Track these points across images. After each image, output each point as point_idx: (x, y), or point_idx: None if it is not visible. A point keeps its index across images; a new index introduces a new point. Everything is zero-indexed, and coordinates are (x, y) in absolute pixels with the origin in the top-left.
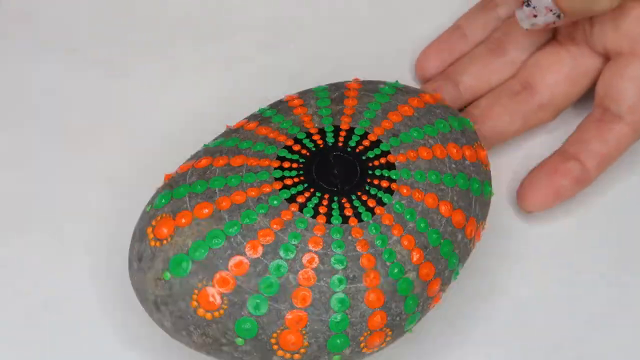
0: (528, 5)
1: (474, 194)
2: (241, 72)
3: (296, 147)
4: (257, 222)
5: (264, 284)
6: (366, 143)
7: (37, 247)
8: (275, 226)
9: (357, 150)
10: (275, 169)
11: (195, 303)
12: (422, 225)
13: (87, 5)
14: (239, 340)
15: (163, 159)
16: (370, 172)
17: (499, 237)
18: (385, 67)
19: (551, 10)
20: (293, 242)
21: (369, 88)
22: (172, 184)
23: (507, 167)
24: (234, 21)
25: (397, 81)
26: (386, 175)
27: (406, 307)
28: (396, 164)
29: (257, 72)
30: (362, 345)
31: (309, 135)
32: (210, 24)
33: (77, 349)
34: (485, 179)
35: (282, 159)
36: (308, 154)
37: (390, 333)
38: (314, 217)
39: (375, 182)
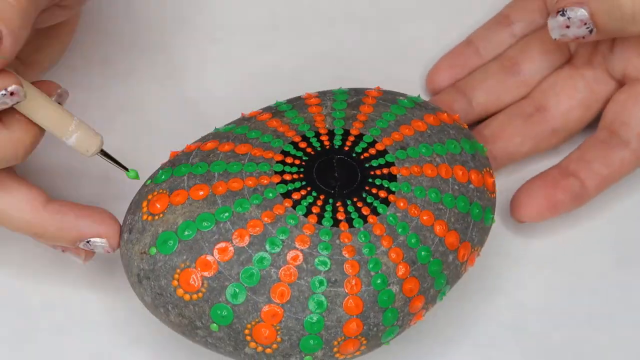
0: (563, 15)
1: (473, 218)
2: (243, 72)
3: (302, 145)
4: (249, 212)
5: (245, 273)
6: (372, 151)
7: (39, 246)
8: (265, 218)
9: (362, 157)
10: (277, 162)
11: (176, 282)
12: (413, 240)
13: (86, 6)
14: (214, 326)
15: (163, 159)
16: (370, 180)
17: (501, 239)
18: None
19: (585, 24)
20: (280, 237)
21: (387, 98)
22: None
23: (508, 174)
24: (234, 20)
25: (419, 95)
26: (386, 185)
27: (385, 319)
28: (398, 176)
29: (260, 72)
30: (334, 350)
31: (317, 134)
32: (210, 24)
33: (77, 349)
34: (488, 206)
35: (286, 153)
36: (312, 152)
37: (365, 342)
38: (305, 215)
39: (374, 190)
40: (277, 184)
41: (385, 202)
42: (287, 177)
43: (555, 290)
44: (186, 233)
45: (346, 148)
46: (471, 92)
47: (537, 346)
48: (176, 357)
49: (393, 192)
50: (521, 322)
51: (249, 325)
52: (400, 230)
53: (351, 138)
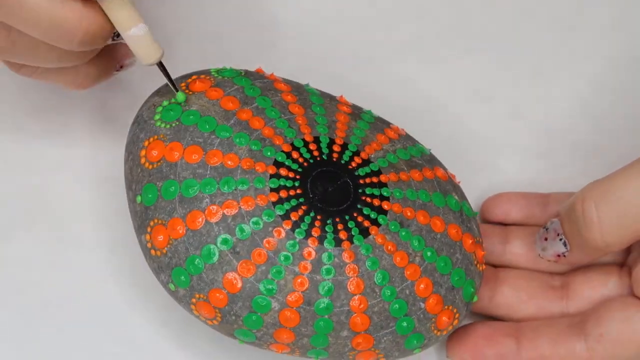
0: (544, 227)
1: (467, 214)
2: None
3: (294, 155)
4: (250, 239)
5: (255, 303)
6: (337, 148)
7: (38, 246)
8: (267, 245)
9: (350, 167)
10: (272, 176)
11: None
12: (416, 243)
13: None
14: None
15: None
16: (360, 190)
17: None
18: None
19: (558, 235)
20: (284, 264)
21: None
22: (159, 175)
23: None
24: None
25: (429, 150)
26: (377, 194)
27: (399, 328)
28: (388, 183)
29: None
30: None
31: (305, 143)
32: (210, 24)
33: (77, 349)
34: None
35: (279, 164)
36: (305, 164)
37: (381, 355)
38: (305, 238)
39: (368, 200)
40: (275, 203)
41: (382, 210)
42: (284, 193)
43: None
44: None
45: (334, 159)
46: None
47: None
48: (176, 357)
49: (387, 199)
50: None
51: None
52: (403, 235)
53: (337, 148)
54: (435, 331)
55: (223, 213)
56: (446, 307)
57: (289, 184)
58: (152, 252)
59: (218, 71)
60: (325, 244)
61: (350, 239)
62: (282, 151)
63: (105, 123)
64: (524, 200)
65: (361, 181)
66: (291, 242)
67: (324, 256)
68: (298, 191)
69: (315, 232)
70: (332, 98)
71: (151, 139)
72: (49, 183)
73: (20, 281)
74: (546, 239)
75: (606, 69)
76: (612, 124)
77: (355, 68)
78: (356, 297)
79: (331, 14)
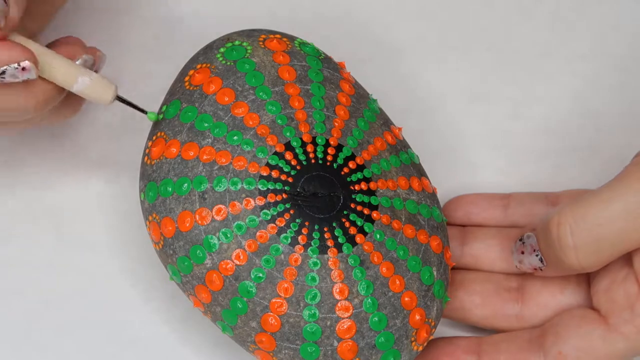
0: (521, 240)
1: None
2: None
3: (288, 156)
4: (234, 241)
5: (233, 304)
6: (331, 151)
7: (38, 246)
8: (249, 249)
9: (313, 161)
10: (262, 178)
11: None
12: (402, 252)
13: (87, 5)
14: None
15: None
16: (352, 196)
17: (503, 240)
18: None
19: (534, 250)
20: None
21: (302, 76)
22: (151, 174)
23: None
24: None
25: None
26: (362, 177)
27: (378, 344)
28: (365, 163)
29: None
30: None
31: (303, 144)
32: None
33: (77, 349)
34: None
35: (271, 167)
36: (298, 167)
37: None
38: (292, 244)
39: (359, 208)
40: (262, 208)
41: (370, 219)
42: (271, 197)
43: None
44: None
45: (328, 162)
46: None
47: None
48: (177, 357)
49: (370, 179)
50: None
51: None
52: (389, 245)
53: (332, 151)
54: (414, 346)
55: (212, 216)
56: (427, 320)
57: (278, 186)
58: (153, 245)
59: (224, 53)
60: (309, 252)
61: (337, 246)
62: (275, 153)
63: (105, 123)
64: (484, 202)
65: (351, 187)
66: (311, 261)
67: (310, 262)
68: (291, 212)
69: (302, 239)
70: (335, 85)
71: (154, 137)
72: (49, 183)
73: (20, 281)
74: (522, 252)
75: (606, 69)
76: (612, 124)
77: (355, 68)
78: (394, 279)
79: (331, 13)
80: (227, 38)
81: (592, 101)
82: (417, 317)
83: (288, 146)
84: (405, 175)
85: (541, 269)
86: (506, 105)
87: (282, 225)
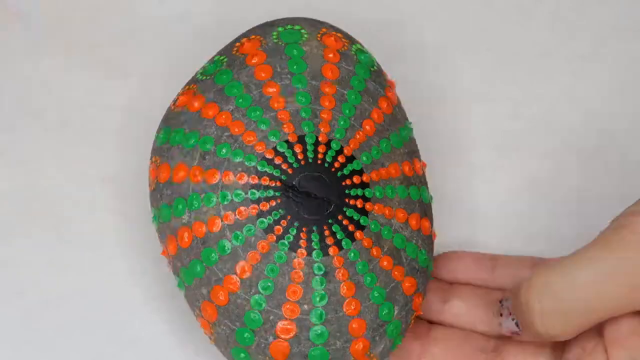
0: (501, 302)
1: (424, 201)
2: None
3: (278, 160)
4: (214, 208)
5: (247, 317)
6: (322, 149)
7: (38, 246)
8: (225, 219)
9: (319, 162)
10: (264, 159)
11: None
12: (399, 241)
13: (86, 5)
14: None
15: None
16: (347, 191)
17: (504, 240)
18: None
19: (511, 314)
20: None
21: (343, 79)
22: (153, 198)
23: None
24: (235, 21)
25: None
26: (360, 194)
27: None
28: (370, 183)
29: None
30: None
31: (290, 145)
32: (210, 24)
33: (77, 349)
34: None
35: (260, 174)
36: (303, 162)
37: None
38: (293, 250)
39: (345, 222)
40: (257, 217)
41: (364, 212)
42: (264, 206)
43: None
44: (247, 337)
45: (319, 161)
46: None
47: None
48: (177, 357)
49: (369, 199)
50: None
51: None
52: (385, 234)
53: (321, 148)
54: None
55: (204, 177)
56: (369, 353)
57: (276, 172)
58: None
59: (280, 32)
60: (279, 244)
61: (337, 244)
62: (286, 141)
63: (105, 123)
64: (471, 261)
65: (344, 183)
66: (277, 254)
67: (315, 267)
68: (278, 201)
69: (277, 230)
70: (374, 99)
71: (186, 87)
72: (49, 183)
73: (20, 281)
74: (501, 315)
75: (606, 69)
76: (613, 124)
77: None
78: (350, 301)
79: (331, 13)
80: (291, 20)
81: (592, 101)
82: (360, 346)
83: (301, 139)
84: (407, 210)
85: (518, 334)
86: (506, 105)
87: (265, 210)
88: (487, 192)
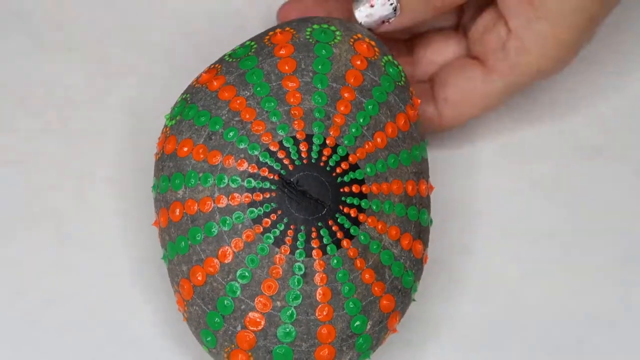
0: None
1: (422, 224)
2: None
3: (281, 154)
4: (208, 189)
5: (220, 304)
6: (327, 152)
7: (38, 246)
8: (217, 202)
9: (322, 164)
10: (249, 205)
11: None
12: (386, 257)
13: (86, 5)
14: (205, 347)
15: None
16: (343, 198)
17: (504, 240)
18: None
19: (389, 0)
20: (346, 280)
21: (365, 88)
22: (158, 165)
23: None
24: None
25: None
26: (357, 204)
27: (422, 221)
28: (368, 195)
29: None
30: None
31: (296, 142)
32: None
33: (78, 349)
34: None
35: (261, 164)
36: (290, 166)
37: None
38: (277, 245)
39: (335, 228)
40: (248, 205)
41: (357, 222)
42: (258, 196)
43: (557, 288)
44: (216, 321)
45: (322, 163)
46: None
47: (537, 344)
48: (177, 357)
49: (364, 210)
50: (522, 320)
51: (226, 350)
52: (339, 275)
53: (327, 151)
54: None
55: (206, 157)
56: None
57: (276, 166)
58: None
59: (314, 30)
60: (264, 238)
61: (322, 248)
62: (293, 137)
63: (105, 122)
64: None
65: (334, 174)
66: (261, 246)
67: (295, 266)
68: (273, 194)
69: (265, 223)
70: (392, 113)
71: (212, 66)
72: (49, 183)
73: (20, 281)
74: (372, 6)
75: (607, 70)
76: (614, 124)
77: None
78: (324, 307)
79: None
80: (328, 20)
81: (592, 101)
82: (326, 352)
83: (308, 138)
84: (402, 229)
85: (389, 22)
86: (507, 106)
87: (258, 200)
88: (485, 192)
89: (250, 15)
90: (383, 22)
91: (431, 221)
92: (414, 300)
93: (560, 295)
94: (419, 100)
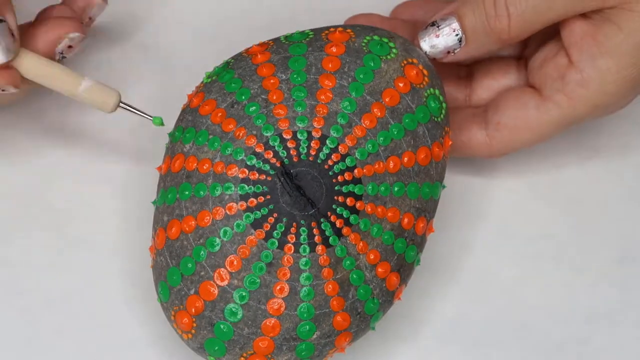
0: (433, 25)
1: (434, 197)
2: None
3: (253, 175)
4: (222, 249)
5: (228, 311)
6: (315, 144)
7: (38, 246)
8: (215, 214)
9: (326, 167)
10: (242, 181)
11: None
12: (387, 237)
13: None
14: (158, 299)
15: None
16: (331, 172)
17: (503, 240)
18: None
19: (454, 31)
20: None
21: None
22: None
23: None
24: (234, 21)
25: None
26: (345, 167)
27: (407, 257)
28: (361, 212)
29: None
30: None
31: (283, 140)
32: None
33: (78, 349)
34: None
35: (245, 197)
36: (269, 178)
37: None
38: (280, 247)
39: (341, 179)
40: (244, 212)
41: (355, 210)
42: (252, 202)
43: (556, 288)
44: (175, 278)
45: (311, 157)
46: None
47: (537, 344)
48: (176, 357)
49: (350, 225)
50: (522, 320)
51: (243, 355)
52: (374, 232)
53: (315, 144)
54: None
55: (229, 272)
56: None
57: (257, 189)
58: (183, 336)
59: (372, 39)
60: (269, 244)
61: (346, 223)
62: (254, 153)
63: (104, 123)
64: (428, 5)
65: (335, 180)
66: (238, 222)
67: (263, 254)
68: (268, 178)
69: (266, 227)
70: (415, 145)
71: (195, 88)
72: (49, 183)
73: (20, 281)
74: (437, 36)
75: None
76: (613, 125)
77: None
78: (277, 300)
79: (330, 13)
80: (392, 36)
81: None
82: (265, 344)
83: (322, 138)
84: (382, 255)
85: (454, 52)
86: None
87: (247, 177)
88: (485, 192)
89: (251, 16)
90: (448, 52)
91: (418, 261)
92: (372, 329)
93: (559, 295)
94: (451, 142)
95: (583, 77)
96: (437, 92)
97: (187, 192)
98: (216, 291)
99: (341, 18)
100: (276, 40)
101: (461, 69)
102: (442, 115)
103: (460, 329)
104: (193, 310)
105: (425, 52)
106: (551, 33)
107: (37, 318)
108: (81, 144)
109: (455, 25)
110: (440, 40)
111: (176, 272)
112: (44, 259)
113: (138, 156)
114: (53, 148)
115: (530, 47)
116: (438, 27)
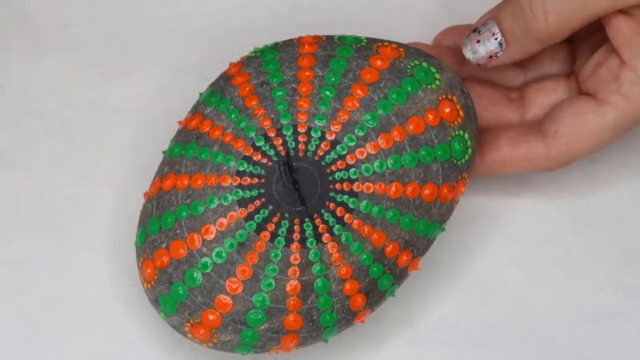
0: (474, 31)
1: (429, 237)
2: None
3: (256, 156)
4: (203, 215)
5: (252, 315)
6: (325, 146)
7: (38, 246)
8: (218, 225)
9: (316, 158)
10: (244, 157)
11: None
12: (365, 257)
13: (86, 5)
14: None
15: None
16: (331, 177)
17: (503, 240)
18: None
19: (494, 35)
20: (272, 275)
21: (324, 55)
22: (143, 217)
23: None
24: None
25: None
26: (346, 177)
27: (380, 284)
28: (360, 193)
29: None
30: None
31: (267, 139)
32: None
33: (77, 349)
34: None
35: (241, 174)
36: (269, 163)
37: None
38: (257, 232)
39: (338, 186)
40: (245, 219)
41: (354, 194)
42: (251, 207)
43: (561, 292)
44: (153, 228)
45: (301, 152)
46: None
47: (540, 346)
48: (176, 357)
49: (351, 210)
50: (527, 325)
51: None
52: (376, 213)
53: (302, 137)
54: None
55: (202, 239)
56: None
57: (255, 170)
58: (144, 284)
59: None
60: (275, 242)
61: (329, 231)
62: (264, 135)
63: (105, 124)
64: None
65: (332, 186)
66: (241, 231)
67: (272, 253)
68: (263, 200)
69: (296, 237)
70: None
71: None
72: (49, 183)
73: (20, 281)
74: (479, 41)
75: None
76: None
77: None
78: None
79: (331, 13)
80: (442, 68)
81: None
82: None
83: (333, 143)
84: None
85: (497, 55)
86: None
87: (240, 184)
88: (485, 193)
89: (252, 17)
90: (490, 57)
91: (392, 293)
92: (325, 341)
93: (561, 297)
94: (464, 189)
95: (637, 75)
96: (466, 135)
97: (191, 152)
98: (184, 253)
99: (343, 19)
100: (329, 37)
101: (512, 92)
102: (464, 160)
103: (465, 332)
104: (159, 263)
105: (469, 58)
106: (599, 42)
107: (37, 318)
108: (82, 144)
109: (495, 29)
110: (481, 45)
111: (156, 222)
112: (44, 259)
113: (138, 157)
114: (53, 148)
115: (579, 60)
116: (479, 32)
